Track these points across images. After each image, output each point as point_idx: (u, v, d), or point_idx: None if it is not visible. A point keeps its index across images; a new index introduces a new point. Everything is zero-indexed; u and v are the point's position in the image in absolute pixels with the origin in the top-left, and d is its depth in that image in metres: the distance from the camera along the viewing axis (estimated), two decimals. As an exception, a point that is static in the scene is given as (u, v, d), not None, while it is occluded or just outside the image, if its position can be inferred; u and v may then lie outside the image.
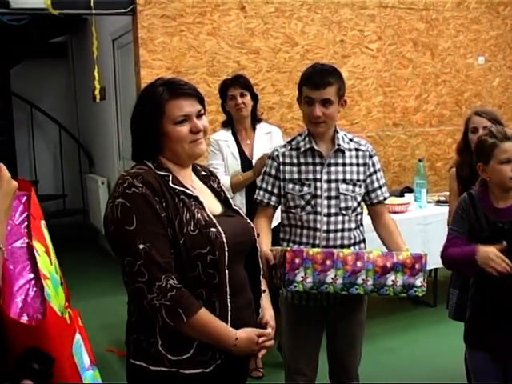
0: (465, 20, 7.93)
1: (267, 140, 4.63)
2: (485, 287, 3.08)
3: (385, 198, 3.41)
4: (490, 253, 2.88)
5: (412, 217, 5.52)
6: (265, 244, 3.14)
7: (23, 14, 6.47)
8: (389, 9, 7.39)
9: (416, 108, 7.67)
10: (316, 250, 2.84)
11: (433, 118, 7.76)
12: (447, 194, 4.58)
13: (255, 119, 4.70)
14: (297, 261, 2.75)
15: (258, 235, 2.55)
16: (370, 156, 3.33)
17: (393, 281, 2.80)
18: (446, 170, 4.16)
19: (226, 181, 4.45)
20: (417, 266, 2.82)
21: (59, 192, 10.18)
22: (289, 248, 2.80)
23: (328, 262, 2.77)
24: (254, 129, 4.68)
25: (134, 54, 6.35)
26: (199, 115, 2.30)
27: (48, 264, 2.44)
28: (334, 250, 2.85)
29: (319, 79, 3.12)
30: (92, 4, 6.08)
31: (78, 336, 2.54)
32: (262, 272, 2.51)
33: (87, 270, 7.52)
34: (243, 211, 4.34)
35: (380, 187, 3.37)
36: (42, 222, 2.59)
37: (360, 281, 2.79)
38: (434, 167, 7.59)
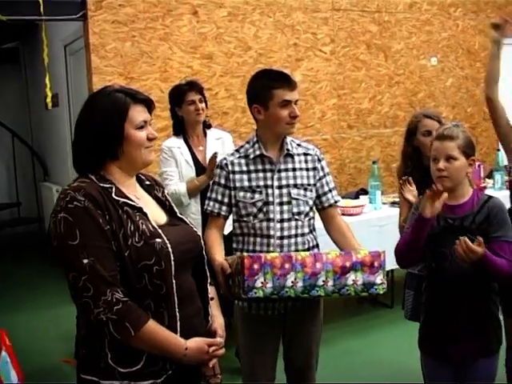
0: (417, 22, 8.02)
1: (219, 145, 4.62)
2: (437, 292, 3.10)
3: (335, 202, 3.40)
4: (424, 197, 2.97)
5: (367, 219, 5.54)
6: (218, 254, 3.11)
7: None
8: (341, 11, 7.43)
9: (370, 110, 7.72)
10: (274, 254, 2.80)
11: (387, 119, 7.82)
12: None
13: (206, 125, 4.69)
14: (255, 266, 2.69)
15: (205, 244, 2.53)
16: (319, 160, 3.34)
17: (353, 280, 2.78)
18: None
19: (182, 187, 4.43)
20: (376, 264, 2.80)
21: (13, 200, 10.05)
22: (246, 254, 2.75)
23: (287, 266, 2.72)
24: (205, 135, 4.66)
25: (86, 60, 6.27)
26: (150, 123, 2.32)
27: None
28: (292, 254, 2.81)
29: (292, 81, 3.15)
30: (42, 9, 5.99)
31: (3, 354, 2.50)
32: (209, 280, 2.50)
33: (43, 279, 7.44)
34: (199, 218, 4.37)
35: (330, 191, 3.37)
36: None
37: (320, 282, 2.75)
38: (390, 168, 7.63)
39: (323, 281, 2.75)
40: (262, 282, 2.70)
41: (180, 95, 4.59)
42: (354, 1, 7.51)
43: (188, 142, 4.59)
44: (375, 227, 5.48)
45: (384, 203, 5.91)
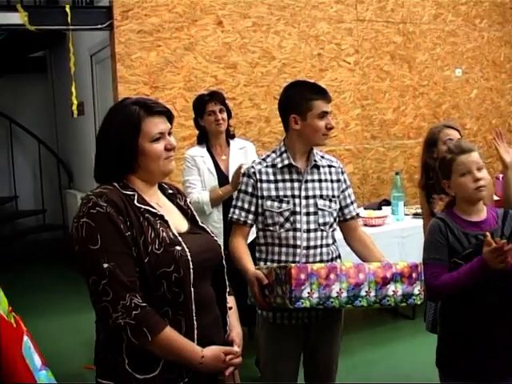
0: (442, 33, 7.99)
1: (242, 155, 4.66)
2: (465, 311, 3.04)
3: (357, 214, 3.46)
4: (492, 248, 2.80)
5: (389, 230, 5.54)
6: (250, 264, 3.13)
7: (0, 30, 6.46)
8: (366, 22, 7.44)
9: (394, 121, 7.71)
10: (318, 264, 2.81)
11: (411, 130, 7.80)
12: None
13: (229, 135, 4.73)
14: (302, 276, 2.70)
15: (226, 252, 2.54)
16: (342, 172, 3.39)
17: (393, 291, 2.82)
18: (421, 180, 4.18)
19: (205, 196, 4.46)
20: (414, 275, 2.85)
21: (39, 207, 10.12)
22: (293, 264, 2.76)
23: (332, 276, 2.75)
24: (228, 144, 4.70)
25: (112, 69, 6.34)
26: (170, 133, 2.33)
27: None
28: (337, 264, 2.85)
29: (328, 94, 3.24)
30: (69, 19, 6.08)
31: (26, 338, 2.55)
32: (228, 289, 2.51)
33: (66, 286, 7.49)
34: (221, 227, 4.39)
35: (352, 203, 3.42)
36: None
37: (363, 293, 2.79)
38: (413, 179, 7.60)
39: (366, 291, 2.79)
40: (308, 292, 2.71)
41: (201, 105, 4.64)
42: (379, 11, 7.52)
43: (211, 151, 4.63)
44: (397, 238, 5.48)
45: (406, 214, 5.91)
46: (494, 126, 8.35)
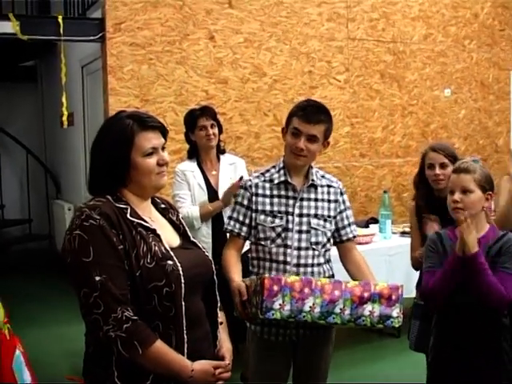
0: (431, 53, 8.06)
1: (232, 171, 4.68)
2: (448, 327, 3.10)
3: (354, 236, 3.42)
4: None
5: (377, 248, 5.56)
6: (236, 275, 3.12)
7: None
8: (357, 41, 7.49)
9: (383, 139, 7.76)
10: (294, 277, 2.78)
11: (399, 149, 7.85)
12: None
13: (219, 150, 4.73)
14: (275, 288, 2.68)
15: (217, 267, 2.55)
16: (341, 193, 3.36)
17: (370, 311, 2.77)
18: (412, 200, 4.20)
19: (195, 211, 4.46)
20: (393, 297, 2.79)
21: (25, 217, 10.08)
22: (267, 275, 2.76)
23: (306, 290, 2.72)
24: (218, 159, 4.71)
25: (103, 81, 6.35)
26: (163, 148, 2.33)
27: None
28: (312, 279, 2.81)
29: (312, 115, 3.13)
30: (61, 30, 6.09)
31: (18, 352, 2.53)
32: (219, 304, 2.51)
33: (51, 296, 7.46)
34: (209, 241, 4.39)
35: (349, 225, 3.39)
36: None
37: (337, 310, 2.75)
38: (400, 198, 7.66)
39: (340, 309, 2.75)
40: (280, 304, 2.69)
41: (192, 120, 4.64)
42: (370, 30, 7.58)
43: (201, 166, 4.64)
44: (384, 256, 5.50)
45: (394, 233, 5.93)
46: (481, 147, 8.45)
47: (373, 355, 5.65)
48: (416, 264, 3.93)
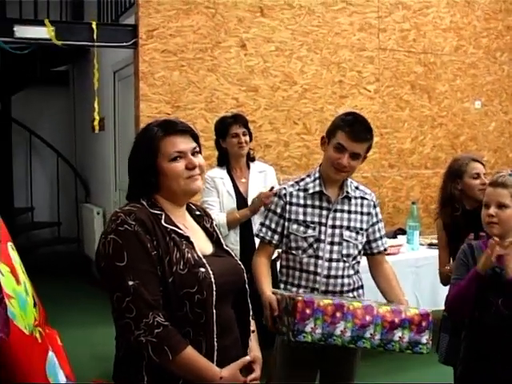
0: (462, 64, 8.02)
1: (261, 178, 4.68)
2: (477, 342, 3.08)
3: (385, 249, 3.43)
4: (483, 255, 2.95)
5: (404, 259, 5.52)
6: (267, 286, 3.13)
7: (27, 44, 6.55)
8: (388, 51, 7.49)
9: (412, 150, 7.73)
10: (327, 301, 2.78)
11: (428, 160, 7.82)
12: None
13: (249, 158, 4.75)
14: (307, 311, 2.69)
15: (249, 276, 2.56)
16: (374, 206, 3.36)
17: (400, 337, 2.77)
18: (437, 215, 4.18)
19: (222, 218, 4.46)
20: (423, 324, 2.79)
21: (54, 220, 10.16)
22: (300, 298, 2.74)
23: (338, 315, 2.72)
24: (248, 167, 4.72)
25: (134, 87, 6.41)
26: (194, 152, 2.34)
27: (13, 284, 2.49)
28: (345, 302, 2.80)
29: (359, 133, 3.10)
30: (95, 36, 6.16)
31: (50, 354, 2.56)
32: (251, 312, 2.52)
33: (79, 299, 7.53)
34: (237, 248, 4.40)
35: (381, 237, 3.39)
36: (9, 244, 2.64)
37: (368, 335, 2.75)
38: (428, 209, 7.61)
39: (371, 334, 2.76)
40: (311, 328, 2.70)
41: (224, 127, 4.65)
42: (401, 41, 7.57)
43: (231, 173, 4.64)
44: (412, 268, 5.48)
45: (421, 244, 5.91)
46: (511, 160, 8.37)
47: (399, 367, 5.62)
48: (444, 279, 3.92)
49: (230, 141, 4.61)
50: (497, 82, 8.32)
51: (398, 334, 2.77)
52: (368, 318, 2.76)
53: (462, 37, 8.00)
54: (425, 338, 2.79)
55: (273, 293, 3.06)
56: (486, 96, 8.24)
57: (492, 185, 3.08)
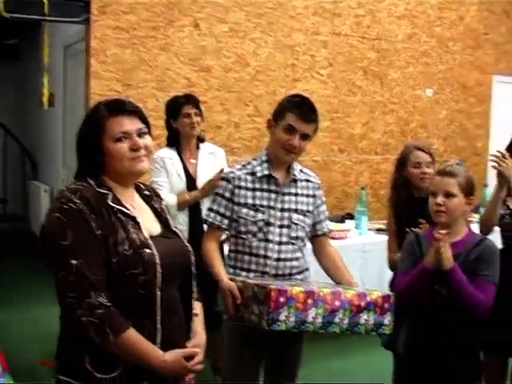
0: (415, 52, 8.09)
1: (211, 160, 4.65)
2: (422, 328, 3.13)
3: (329, 231, 3.48)
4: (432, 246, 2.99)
5: (352, 243, 5.58)
6: (223, 273, 3.12)
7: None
8: (341, 36, 7.49)
9: (362, 135, 7.78)
10: (298, 288, 2.79)
11: (378, 146, 7.87)
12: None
13: (199, 139, 4.72)
14: (281, 300, 2.70)
15: (197, 257, 2.54)
16: (318, 188, 3.39)
17: (365, 319, 2.82)
18: (388, 201, 4.21)
19: (172, 199, 4.42)
20: (386, 306, 2.86)
21: (0, 197, 10.00)
22: (273, 286, 2.74)
23: (309, 301, 2.74)
24: (197, 148, 4.68)
25: (86, 63, 6.29)
26: (141, 133, 2.30)
27: None
28: (315, 289, 2.82)
29: (308, 113, 3.14)
30: (46, 10, 6.03)
31: None
32: (195, 295, 2.50)
33: (25, 278, 7.41)
34: (185, 229, 4.37)
35: (324, 219, 3.43)
36: None
37: (337, 320, 2.78)
38: (377, 195, 7.67)
39: (340, 318, 2.79)
40: (285, 316, 2.71)
41: (176, 107, 4.61)
42: (355, 27, 7.58)
43: (181, 154, 4.60)
44: (359, 252, 5.52)
45: (369, 229, 5.96)
46: (460, 148, 8.49)
47: (344, 349, 5.66)
48: (393, 266, 3.96)
49: (182, 121, 4.57)
50: (449, 71, 8.41)
51: (363, 316, 2.82)
52: (337, 303, 2.79)
53: (415, 25, 8.06)
54: (387, 319, 2.86)
55: (231, 280, 3.05)
56: (437, 84, 8.33)
57: (440, 174, 3.10)
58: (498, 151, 3.77)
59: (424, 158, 3.92)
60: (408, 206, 3.91)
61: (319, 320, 2.76)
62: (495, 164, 3.71)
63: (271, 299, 2.69)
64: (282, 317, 2.71)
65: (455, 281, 2.92)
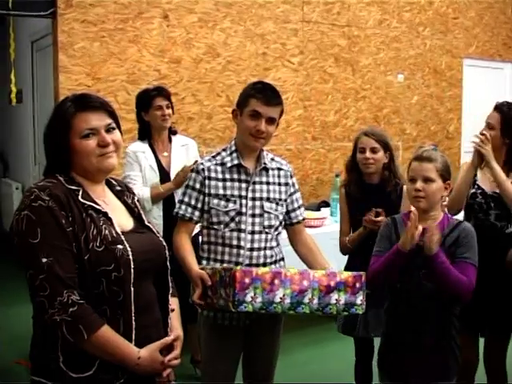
0: (386, 38, 8.09)
1: (184, 152, 4.63)
2: (400, 313, 3.13)
3: (303, 219, 3.47)
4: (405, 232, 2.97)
5: (328, 231, 5.55)
6: (194, 263, 3.10)
7: None
8: (311, 24, 7.47)
9: (335, 123, 7.77)
10: (263, 269, 2.80)
11: (351, 132, 7.84)
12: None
13: (171, 131, 4.69)
14: (246, 280, 2.68)
15: (170, 253, 2.51)
16: (291, 176, 3.39)
17: (336, 299, 2.82)
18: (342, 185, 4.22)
19: (145, 192, 4.41)
20: (357, 285, 2.86)
21: (-29, 195, 9.88)
22: (238, 267, 2.74)
23: (276, 282, 2.73)
24: (170, 141, 4.66)
25: (53, 58, 6.21)
26: (109, 129, 2.27)
27: None
28: (282, 269, 2.83)
29: (273, 96, 3.15)
30: (10, 4, 5.94)
31: None
32: (170, 290, 2.47)
33: (1, 277, 7.33)
34: (160, 223, 4.34)
35: (299, 207, 3.42)
36: None
37: (306, 300, 2.78)
38: (352, 182, 7.67)
39: (309, 298, 2.78)
40: (251, 297, 2.70)
41: (147, 100, 4.58)
42: (325, 14, 7.57)
43: (153, 146, 4.58)
44: (335, 240, 5.45)
45: (345, 216, 5.94)
46: (432, 132, 8.53)
47: (321, 337, 5.67)
48: (344, 249, 4.04)
49: (154, 113, 4.54)
50: (419, 56, 8.44)
51: (334, 296, 2.82)
52: (305, 283, 2.78)
53: (385, 10, 8.06)
54: (359, 299, 2.87)
55: (202, 268, 3.04)
56: (408, 70, 8.35)
57: (417, 159, 3.11)
58: (482, 133, 3.80)
59: (368, 143, 3.88)
60: (357, 190, 3.93)
61: (287, 301, 2.76)
62: (480, 146, 3.74)
63: (236, 280, 2.68)
64: (249, 298, 2.70)
65: (439, 264, 2.91)
